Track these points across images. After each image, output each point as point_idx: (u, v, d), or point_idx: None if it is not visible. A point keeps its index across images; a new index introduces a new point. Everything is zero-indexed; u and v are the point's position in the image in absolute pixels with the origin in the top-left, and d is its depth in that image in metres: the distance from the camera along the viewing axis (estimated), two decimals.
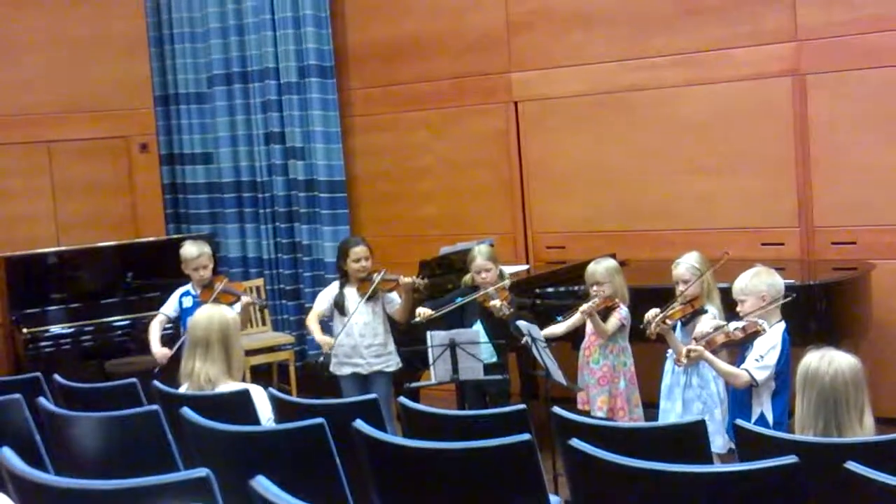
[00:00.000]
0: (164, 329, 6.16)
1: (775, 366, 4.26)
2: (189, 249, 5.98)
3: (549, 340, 5.24)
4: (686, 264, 4.93)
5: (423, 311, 5.57)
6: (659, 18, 6.86)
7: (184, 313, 5.86)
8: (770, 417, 4.28)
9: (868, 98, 6.22)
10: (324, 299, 5.91)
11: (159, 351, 5.89)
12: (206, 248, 6.04)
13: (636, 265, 6.60)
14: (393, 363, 5.84)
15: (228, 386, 4.11)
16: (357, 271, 5.75)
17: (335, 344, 5.73)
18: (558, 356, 5.18)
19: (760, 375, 4.27)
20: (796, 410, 3.32)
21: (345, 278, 5.84)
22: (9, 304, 7.33)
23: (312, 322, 5.86)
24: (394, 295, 5.80)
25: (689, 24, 6.75)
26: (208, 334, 4.14)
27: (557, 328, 5.38)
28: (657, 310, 4.80)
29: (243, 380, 5.62)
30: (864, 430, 3.20)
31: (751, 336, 4.32)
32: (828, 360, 3.25)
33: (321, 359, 5.74)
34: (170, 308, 6.03)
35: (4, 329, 7.48)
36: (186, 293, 6.01)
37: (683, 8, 6.76)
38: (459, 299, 5.60)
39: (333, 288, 5.91)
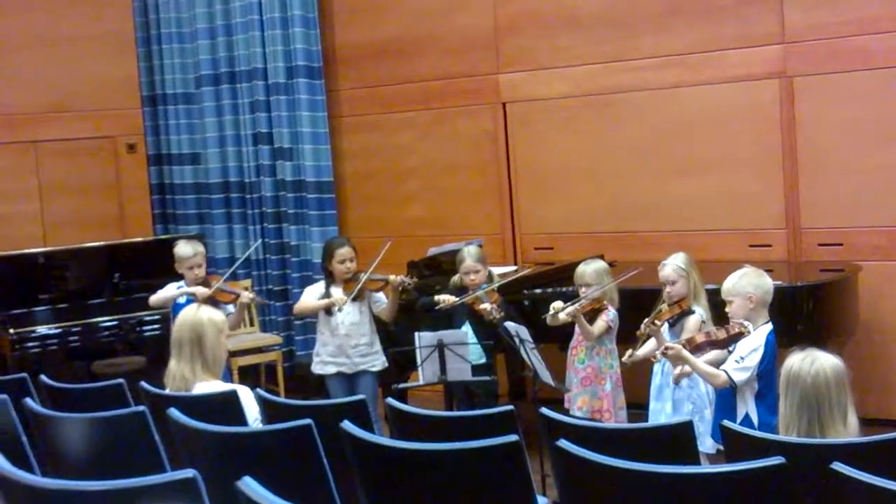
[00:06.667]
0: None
1: (757, 367, 4.26)
2: (184, 249, 5.98)
3: (540, 337, 5.23)
4: (672, 265, 4.94)
5: (447, 298, 5.57)
6: (647, 20, 6.87)
7: (177, 308, 5.84)
8: (755, 418, 4.28)
9: (855, 100, 6.25)
10: (310, 295, 5.90)
11: (180, 290, 5.92)
12: (201, 248, 6.05)
13: (624, 266, 6.61)
14: (378, 363, 5.83)
15: (208, 385, 4.11)
16: (342, 272, 5.75)
17: (322, 342, 5.81)
18: (546, 357, 5.19)
19: (739, 377, 4.26)
20: (780, 411, 3.33)
21: (330, 278, 5.84)
22: None
23: (305, 304, 5.86)
24: (380, 294, 5.80)
25: (677, 27, 6.77)
26: (180, 335, 4.18)
27: (559, 315, 5.27)
28: (630, 350, 4.86)
29: (231, 380, 5.65)
30: (848, 431, 3.22)
31: (735, 337, 4.32)
32: (810, 361, 3.27)
33: (337, 310, 5.70)
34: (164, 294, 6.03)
35: None
36: (181, 288, 6.00)
37: (671, 10, 6.78)
38: (485, 286, 5.59)
39: (319, 286, 5.91)
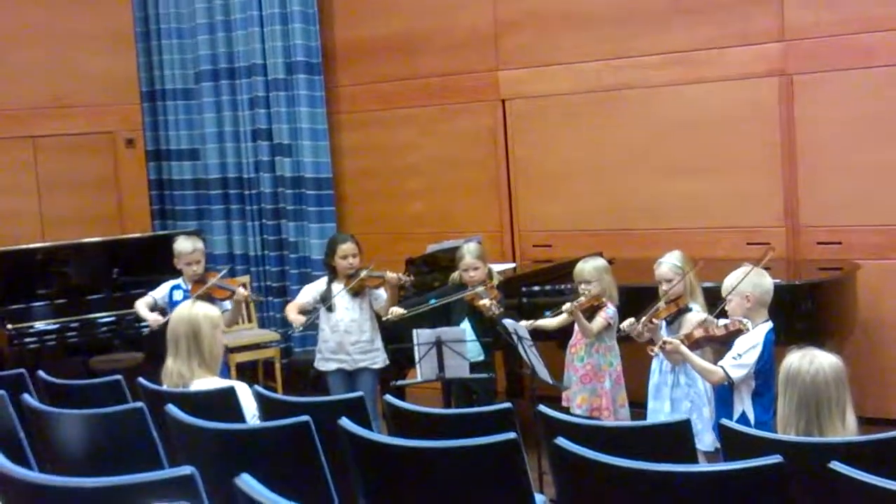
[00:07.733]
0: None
1: (754, 365, 4.26)
2: (183, 244, 5.99)
3: (538, 336, 5.23)
4: (668, 263, 4.92)
5: (395, 310, 5.60)
6: (647, 18, 6.87)
7: (173, 306, 5.84)
8: (752, 416, 4.28)
9: (854, 98, 6.25)
10: (307, 293, 5.91)
11: (150, 316, 5.93)
12: (200, 244, 6.06)
13: (623, 264, 6.62)
14: (379, 360, 5.83)
15: (205, 382, 4.10)
16: (345, 268, 5.75)
17: (322, 339, 5.80)
18: (545, 354, 5.18)
19: (736, 373, 4.27)
20: (778, 409, 3.33)
21: (333, 274, 5.84)
22: None
23: (291, 310, 5.88)
24: (381, 291, 5.80)
25: (677, 24, 6.76)
26: (176, 331, 4.17)
27: (549, 322, 5.35)
28: (633, 319, 4.81)
29: (228, 377, 5.65)
30: (846, 430, 3.21)
31: (733, 334, 4.32)
32: (809, 360, 3.26)
33: (293, 332, 5.78)
34: (159, 294, 6.03)
35: None
36: (177, 286, 6.01)
37: (671, 8, 6.78)
38: (433, 300, 5.59)
39: (320, 283, 5.91)
